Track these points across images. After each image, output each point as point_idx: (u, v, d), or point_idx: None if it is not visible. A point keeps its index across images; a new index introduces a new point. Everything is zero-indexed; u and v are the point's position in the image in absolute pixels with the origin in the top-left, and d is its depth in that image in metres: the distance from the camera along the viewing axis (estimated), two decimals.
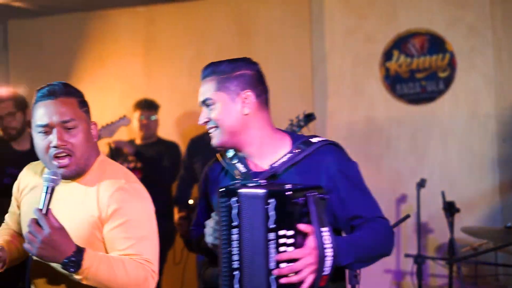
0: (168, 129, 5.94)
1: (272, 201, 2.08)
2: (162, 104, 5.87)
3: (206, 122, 2.43)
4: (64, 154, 2.31)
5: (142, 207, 2.41)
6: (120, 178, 2.41)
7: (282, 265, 2.08)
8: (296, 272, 2.07)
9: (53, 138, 2.29)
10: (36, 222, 2.12)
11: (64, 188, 2.36)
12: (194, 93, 5.63)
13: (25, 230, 2.35)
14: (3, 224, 2.70)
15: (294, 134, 2.50)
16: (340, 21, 5.53)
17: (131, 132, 5.67)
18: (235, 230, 2.17)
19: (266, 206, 2.10)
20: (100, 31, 6.40)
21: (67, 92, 2.37)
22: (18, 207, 2.57)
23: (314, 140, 2.40)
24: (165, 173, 5.22)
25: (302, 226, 2.08)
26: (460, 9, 5.19)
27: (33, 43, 6.64)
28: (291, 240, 2.09)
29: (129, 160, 5.21)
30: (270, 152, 2.41)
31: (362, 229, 2.28)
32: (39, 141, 2.34)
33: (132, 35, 6.31)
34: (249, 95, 2.39)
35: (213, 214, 2.35)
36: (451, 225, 4.38)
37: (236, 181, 2.35)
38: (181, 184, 5.18)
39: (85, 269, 2.15)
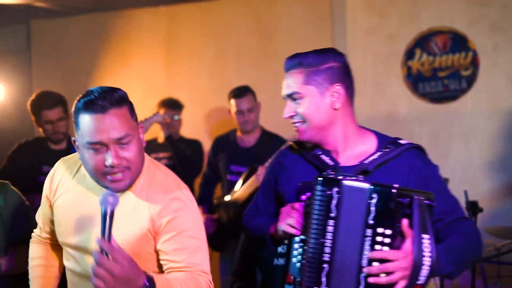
0: (189, 128, 5.95)
1: (375, 196, 2.05)
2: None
3: (292, 116, 2.33)
4: (120, 170, 2.14)
5: (194, 215, 2.29)
6: (170, 185, 2.28)
7: (374, 263, 2.04)
8: (387, 274, 2.02)
9: (108, 157, 2.10)
10: (102, 254, 1.91)
11: (125, 201, 2.23)
12: (214, 92, 5.70)
13: (60, 235, 2.34)
14: (34, 233, 2.60)
15: (379, 133, 2.42)
16: (362, 20, 5.50)
17: (154, 131, 5.68)
18: (331, 222, 2.10)
19: (368, 201, 2.06)
20: (121, 30, 6.43)
21: (118, 102, 2.12)
22: (51, 207, 2.41)
23: (402, 142, 2.35)
24: (188, 171, 5.23)
25: (404, 225, 2.03)
26: (483, 7, 5.14)
27: (55, 43, 6.69)
28: (387, 240, 2.05)
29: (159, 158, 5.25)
30: (353, 148, 2.34)
31: (454, 234, 2.21)
32: (90, 159, 2.14)
33: (154, 34, 6.33)
34: (339, 89, 2.28)
35: (297, 205, 2.25)
36: (474, 224, 4.33)
37: (331, 172, 2.25)
38: (204, 182, 5.17)
39: None
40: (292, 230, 2.22)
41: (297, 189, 2.28)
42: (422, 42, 5.30)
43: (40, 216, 2.54)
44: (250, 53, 5.92)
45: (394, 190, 2.04)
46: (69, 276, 2.42)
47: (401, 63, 5.37)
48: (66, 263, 2.40)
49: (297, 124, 2.33)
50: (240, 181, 4.65)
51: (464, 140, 5.20)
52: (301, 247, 2.20)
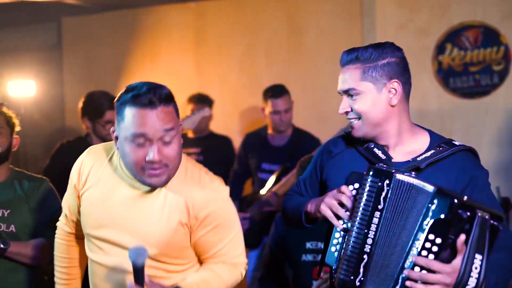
0: (219, 124, 5.97)
1: (436, 201, 2.01)
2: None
3: (347, 112, 2.29)
4: (159, 166, 2.15)
5: (229, 205, 2.35)
6: (204, 178, 2.32)
7: (416, 268, 2.01)
8: (426, 283, 1.99)
9: (150, 153, 2.12)
10: None
11: (152, 196, 2.26)
12: (245, 88, 5.69)
13: (87, 226, 2.36)
14: (59, 222, 2.62)
15: (432, 131, 2.38)
16: (392, 15, 5.46)
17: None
18: (377, 214, 2.08)
19: (429, 205, 2.02)
20: (151, 27, 6.47)
21: (166, 99, 2.15)
22: (78, 198, 2.40)
23: (455, 142, 2.30)
24: (217, 166, 5.25)
25: (460, 240, 1.97)
26: None
27: (86, 39, 6.76)
28: (435, 248, 2.00)
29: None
30: (405, 144, 2.30)
31: (498, 249, 2.09)
32: (131, 152, 2.15)
33: (183, 30, 6.36)
34: (396, 85, 2.23)
35: (343, 188, 2.21)
36: (506, 221, 4.30)
37: (382, 165, 2.22)
38: (233, 179, 5.16)
39: None
40: (335, 222, 2.19)
41: (346, 178, 2.25)
42: (453, 36, 5.25)
43: (66, 205, 2.54)
44: (280, 48, 5.92)
45: (457, 200, 1.98)
46: (95, 268, 2.39)
47: (431, 58, 5.32)
48: (92, 255, 2.39)
49: (352, 120, 2.30)
50: (272, 178, 4.65)
51: (496, 135, 5.15)
52: (342, 236, 2.18)
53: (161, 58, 6.42)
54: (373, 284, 2.10)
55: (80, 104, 4.42)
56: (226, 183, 5.25)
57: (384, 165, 2.21)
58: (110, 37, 6.64)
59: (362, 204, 2.11)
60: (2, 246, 3.02)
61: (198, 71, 6.25)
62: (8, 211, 3.18)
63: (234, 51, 6.12)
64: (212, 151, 5.24)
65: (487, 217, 1.98)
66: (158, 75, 6.32)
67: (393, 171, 2.11)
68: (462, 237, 1.98)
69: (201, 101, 5.38)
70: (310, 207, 2.34)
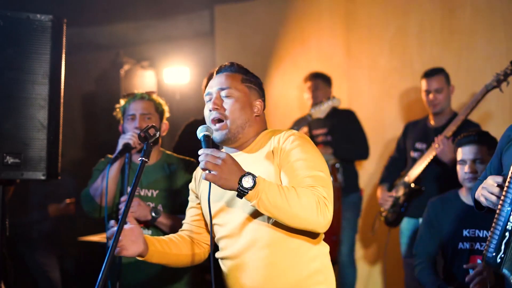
0: (369, 109, 5.91)
1: None
2: (361, 83, 5.86)
3: None
4: (218, 118, 2.51)
5: (316, 151, 2.48)
6: (290, 130, 2.54)
7: None
8: None
9: (210, 103, 2.54)
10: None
11: (241, 160, 2.41)
12: (395, 71, 5.58)
13: (206, 212, 2.57)
14: (185, 221, 2.83)
15: None
16: None
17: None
18: None
19: None
20: (300, 11, 6.49)
21: (232, 69, 2.63)
22: (197, 197, 2.74)
23: None
24: (346, 143, 5.30)
25: None
26: None
27: (238, 26, 6.90)
28: None
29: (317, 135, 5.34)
30: None
31: None
32: (206, 108, 2.58)
33: (332, 14, 6.32)
34: None
35: (497, 178, 2.30)
36: None
37: None
38: (389, 165, 5.12)
39: (259, 187, 2.23)
40: (491, 205, 2.27)
41: None
42: None
43: (189, 209, 2.81)
44: (432, 30, 5.73)
45: None
46: (225, 265, 2.59)
47: None
48: (220, 254, 2.60)
49: None
50: (422, 163, 4.58)
51: None
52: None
53: (311, 43, 6.43)
54: (511, 262, 2.15)
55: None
56: (358, 159, 5.39)
57: None
58: (261, 23, 6.73)
59: (509, 183, 2.15)
60: (154, 215, 3.34)
61: (348, 54, 6.19)
62: (157, 191, 3.43)
63: (384, 33, 6.00)
64: (338, 129, 5.31)
65: None
66: (308, 59, 6.35)
67: None
68: None
69: (315, 77, 5.52)
70: (477, 195, 2.42)
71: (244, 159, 2.48)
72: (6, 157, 2.89)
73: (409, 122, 5.16)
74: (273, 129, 2.62)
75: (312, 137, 5.21)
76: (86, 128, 7.17)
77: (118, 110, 3.60)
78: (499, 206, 2.17)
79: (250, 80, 2.63)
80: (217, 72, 2.64)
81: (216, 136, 2.52)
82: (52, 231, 5.45)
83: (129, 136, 3.37)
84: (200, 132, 2.43)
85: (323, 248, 2.53)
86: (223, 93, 2.54)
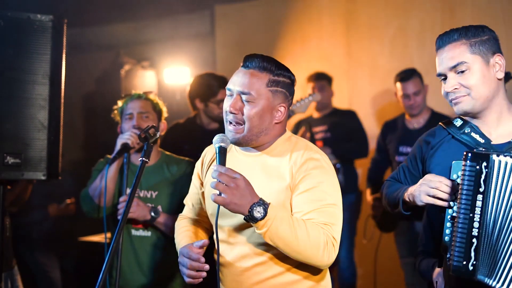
0: (367, 108, 5.91)
1: None
2: (362, 83, 5.85)
3: (456, 89, 2.32)
4: (235, 121, 2.39)
5: (330, 178, 2.42)
6: (310, 148, 2.45)
7: None
8: None
9: (227, 103, 2.42)
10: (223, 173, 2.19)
11: (255, 160, 2.44)
12: (395, 71, 5.58)
13: (209, 210, 2.53)
14: (185, 210, 2.81)
15: None
16: None
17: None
18: (480, 196, 2.13)
19: None
20: (300, 11, 6.49)
21: (261, 67, 2.40)
22: (202, 184, 2.64)
23: None
24: (346, 142, 5.30)
25: None
26: None
27: (238, 26, 6.90)
28: None
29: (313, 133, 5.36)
30: (505, 125, 2.35)
31: None
32: (225, 102, 2.45)
33: (333, 14, 6.31)
34: (500, 60, 2.32)
35: (442, 178, 2.28)
36: None
37: (480, 149, 2.27)
38: (373, 166, 5.17)
39: (270, 218, 2.19)
40: (441, 203, 2.24)
41: (450, 168, 2.28)
42: None
43: (189, 196, 2.76)
44: (432, 30, 5.72)
45: None
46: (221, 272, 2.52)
47: None
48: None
49: (458, 98, 2.32)
50: None
51: None
52: (451, 224, 2.24)
53: (311, 43, 6.43)
54: (487, 267, 2.13)
55: (189, 87, 4.58)
56: (358, 157, 5.40)
57: (483, 149, 2.24)
58: (261, 23, 6.73)
59: (463, 189, 2.15)
60: (153, 215, 3.33)
61: (349, 54, 6.19)
62: (156, 193, 3.43)
63: (384, 33, 6.00)
64: (338, 127, 5.30)
65: None
66: (308, 59, 6.34)
67: (490, 153, 2.14)
68: None
69: (318, 78, 5.48)
70: (407, 195, 2.40)
71: (264, 160, 2.45)
72: (7, 157, 2.89)
73: (386, 122, 5.18)
74: (292, 136, 2.54)
75: (312, 135, 5.21)
76: (86, 128, 7.17)
77: (116, 112, 3.59)
78: (455, 214, 2.18)
79: (278, 82, 2.42)
80: (245, 65, 2.43)
81: (229, 136, 2.41)
82: (52, 231, 5.44)
83: (127, 136, 3.36)
84: (216, 143, 2.33)
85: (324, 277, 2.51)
86: (244, 97, 2.38)
